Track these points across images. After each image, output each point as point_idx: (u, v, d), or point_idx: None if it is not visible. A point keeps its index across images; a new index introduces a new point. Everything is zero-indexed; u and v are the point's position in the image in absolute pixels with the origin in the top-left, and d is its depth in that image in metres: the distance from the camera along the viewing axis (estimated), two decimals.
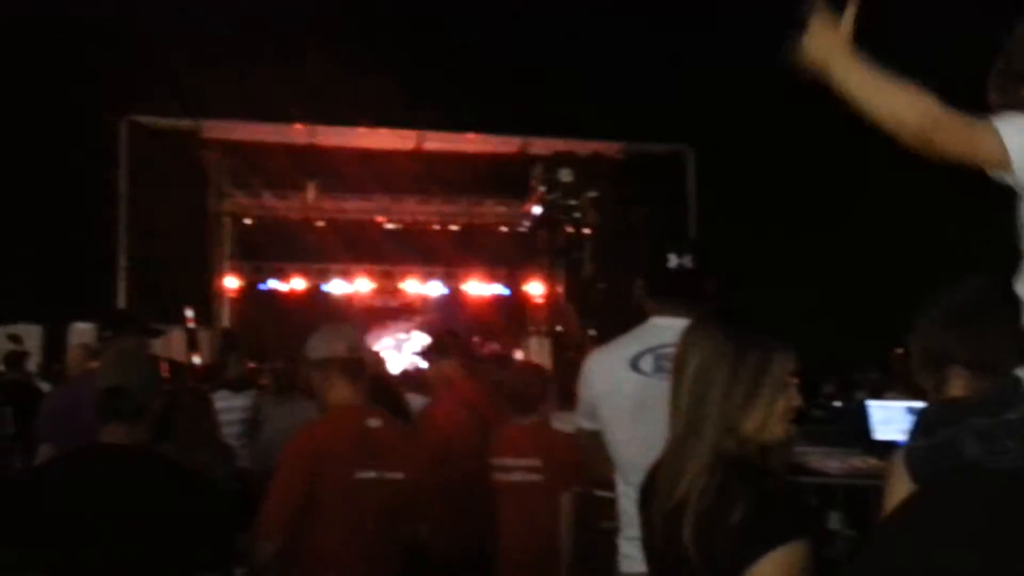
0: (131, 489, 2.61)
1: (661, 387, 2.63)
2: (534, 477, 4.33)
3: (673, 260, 2.82)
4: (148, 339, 4.65)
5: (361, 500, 3.20)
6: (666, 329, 2.71)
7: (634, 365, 2.75)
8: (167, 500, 2.63)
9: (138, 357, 3.11)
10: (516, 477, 4.36)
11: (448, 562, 4.47)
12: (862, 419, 6.01)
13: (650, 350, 2.73)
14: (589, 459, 3.04)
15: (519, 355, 15.51)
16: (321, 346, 3.46)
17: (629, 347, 2.82)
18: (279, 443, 3.67)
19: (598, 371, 2.90)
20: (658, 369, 2.68)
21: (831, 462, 5.66)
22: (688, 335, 2.02)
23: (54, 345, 14.38)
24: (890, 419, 5.94)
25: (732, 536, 1.72)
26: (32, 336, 13.94)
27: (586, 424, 2.94)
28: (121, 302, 14.24)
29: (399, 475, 3.29)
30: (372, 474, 3.23)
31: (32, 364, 11.68)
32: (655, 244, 2.99)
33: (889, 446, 5.85)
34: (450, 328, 9.06)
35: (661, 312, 2.83)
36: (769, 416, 1.90)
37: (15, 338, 11.72)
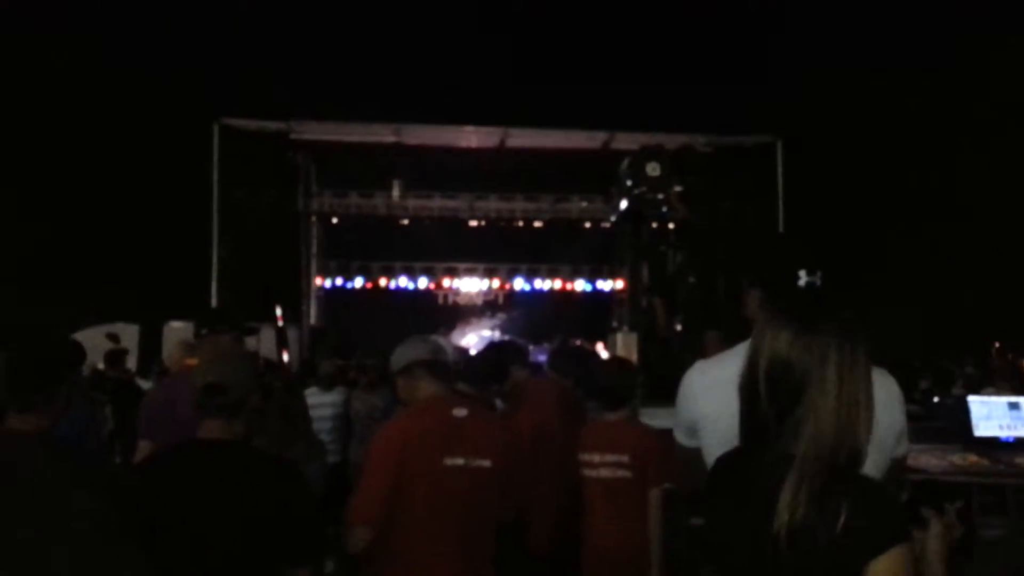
0: (228, 482, 2.67)
1: None
2: (623, 473, 4.29)
3: (803, 277, 2.60)
4: (243, 336, 4.73)
5: (450, 486, 3.22)
6: None
7: None
8: (262, 493, 2.68)
9: (235, 354, 3.17)
10: (605, 473, 4.33)
11: (544, 553, 4.48)
12: (962, 415, 5.84)
13: None
14: (687, 474, 2.85)
15: (602, 350, 15.44)
16: (404, 354, 3.50)
17: (737, 366, 2.65)
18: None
19: (702, 390, 2.69)
20: None
21: (930, 459, 5.51)
22: (780, 333, 1.91)
23: (150, 343, 14.79)
24: (991, 415, 5.77)
25: (838, 541, 1.67)
26: (129, 335, 14.34)
27: (685, 441, 2.72)
28: (214, 301, 14.58)
29: (487, 462, 3.30)
30: (460, 461, 3.26)
31: (130, 362, 12.02)
32: (783, 256, 2.72)
33: (991, 442, 5.70)
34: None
35: None
36: (869, 419, 1.83)
37: (113, 337, 12.07)
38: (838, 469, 1.75)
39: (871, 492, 1.77)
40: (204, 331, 4.52)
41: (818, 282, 2.59)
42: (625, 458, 4.29)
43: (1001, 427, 5.74)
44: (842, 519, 1.67)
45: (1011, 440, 5.70)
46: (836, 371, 1.81)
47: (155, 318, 15.40)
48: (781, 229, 15.47)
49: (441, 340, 4.03)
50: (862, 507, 1.70)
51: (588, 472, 4.39)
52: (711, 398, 2.63)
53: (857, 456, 1.80)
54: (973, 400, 5.99)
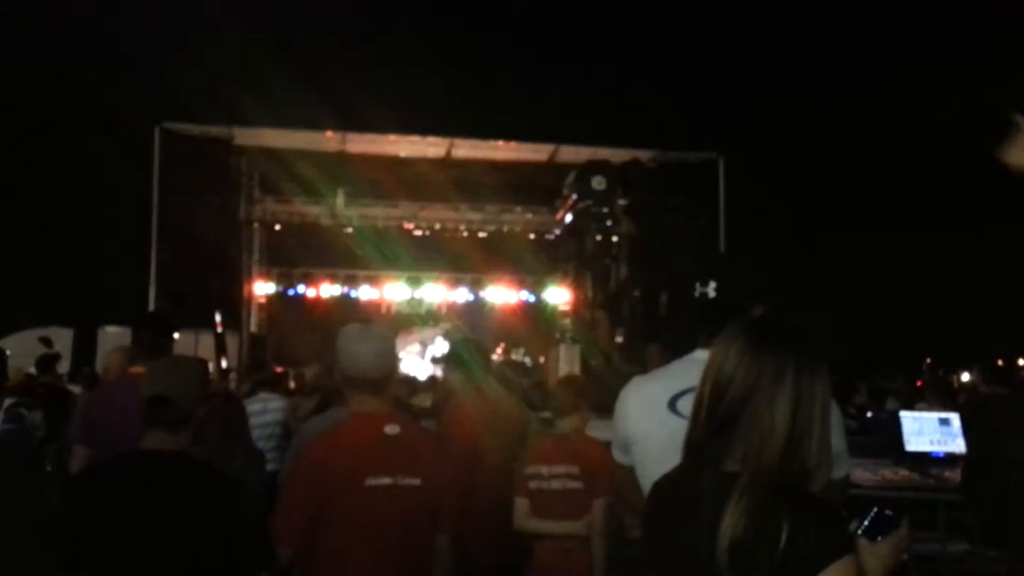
0: (171, 493, 2.64)
1: None
2: (574, 484, 4.33)
3: (697, 288, 2.67)
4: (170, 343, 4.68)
5: (375, 507, 3.13)
6: None
7: (672, 406, 2.59)
8: (204, 505, 2.65)
9: (183, 365, 3.10)
10: (556, 485, 4.35)
11: (490, 566, 4.47)
12: (894, 430, 5.97)
13: (691, 390, 2.55)
14: (624, 490, 2.90)
15: (544, 363, 15.49)
16: (348, 356, 3.33)
17: (669, 384, 2.65)
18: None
19: (635, 409, 2.74)
20: None
21: (863, 473, 5.62)
22: (730, 348, 1.91)
23: (84, 348, 14.51)
24: (922, 430, 5.91)
25: (781, 557, 1.67)
26: (62, 339, 14.03)
27: (620, 457, 2.79)
28: (151, 306, 14.35)
29: (416, 481, 3.23)
30: (386, 480, 3.16)
31: (63, 367, 11.78)
32: (683, 271, 2.81)
33: (922, 457, 5.83)
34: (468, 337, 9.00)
35: (704, 344, 2.63)
36: (825, 439, 1.84)
37: (46, 341, 11.80)
38: (781, 486, 1.75)
39: (813, 506, 1.76)
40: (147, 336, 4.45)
41: (710, 293, 2.66)
42: (576, 469, 4.32)
43: (932, 442, 5.88)
44: (784, 535, 1.68)
45: (941, 455, 5.84)
46: (792, 389, 1.81)
47: (90, 323, 15.12)
48: (722, 244, 15.67)
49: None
50: (804, 522, 1.70)
51: (538, 484, 4.40)
52: (642, 415, 2.68)
53: (806, 474, 1.80)
54: (905, 416, 6.13)
